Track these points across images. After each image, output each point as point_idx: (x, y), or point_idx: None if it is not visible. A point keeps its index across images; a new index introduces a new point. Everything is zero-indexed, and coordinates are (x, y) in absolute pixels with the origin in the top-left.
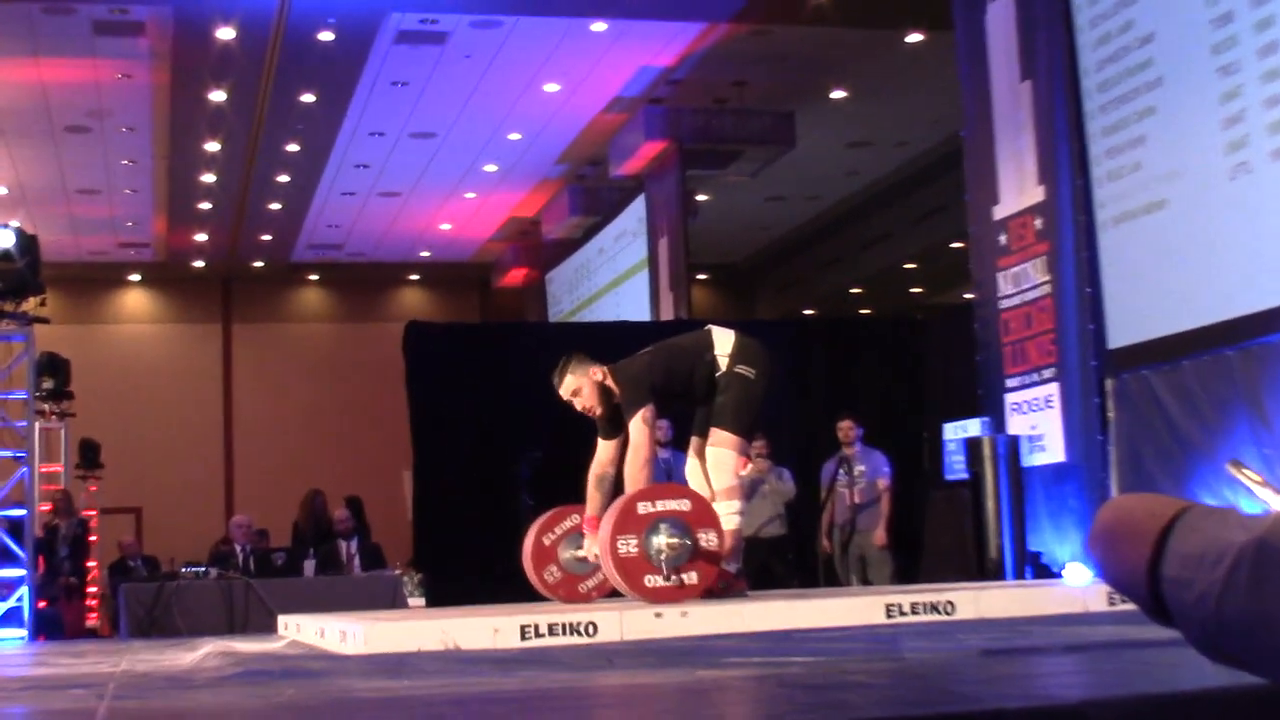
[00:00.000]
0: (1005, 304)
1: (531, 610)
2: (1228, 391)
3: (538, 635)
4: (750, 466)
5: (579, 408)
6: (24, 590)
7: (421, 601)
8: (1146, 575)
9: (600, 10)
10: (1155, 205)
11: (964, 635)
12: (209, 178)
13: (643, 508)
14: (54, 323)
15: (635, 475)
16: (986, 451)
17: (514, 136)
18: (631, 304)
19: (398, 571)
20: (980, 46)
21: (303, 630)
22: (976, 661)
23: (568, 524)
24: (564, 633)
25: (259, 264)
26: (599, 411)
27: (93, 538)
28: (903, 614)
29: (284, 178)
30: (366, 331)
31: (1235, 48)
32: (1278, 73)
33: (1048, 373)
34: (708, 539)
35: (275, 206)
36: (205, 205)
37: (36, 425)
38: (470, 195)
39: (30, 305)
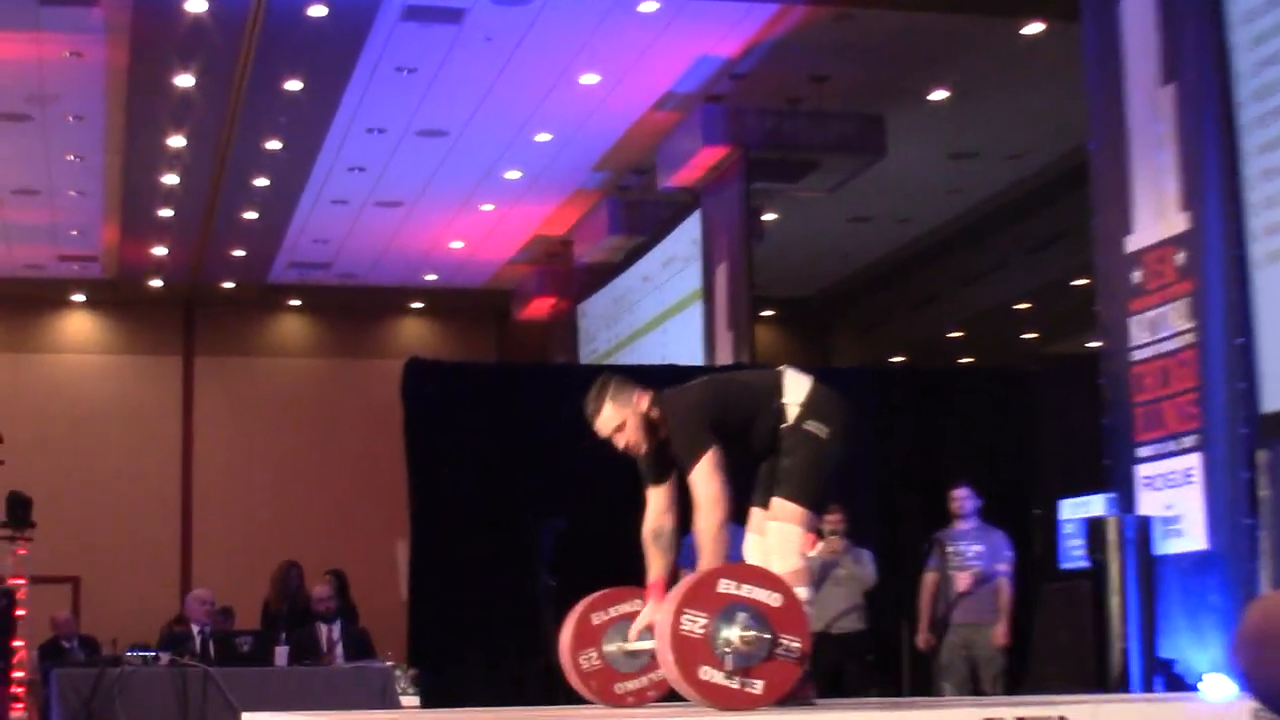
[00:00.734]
0: (1138, 355)
1: (547, 716)
2: None
3: None
4: (821, 545)
5: (619, 446)
6: None
7: (416, 700)
8: None
9: None
10: None
11: None
12: (171, 179)
13: (724, 585)
14: None
15: (710, 543)
16: (1112, 535)
17: (542, 138)
18: (681, 344)
19: (389, 663)
20: (1113, 42)
21: None
22: None
23: (625, 608)
24: None
25: (229, 285)
26: (644, 449)
27: (20, 612)
28: None
29: (262, 181)
30: (357, 370)
31: None
32: None
33: (1188, 441)
34: (789, 647)
35: (251, 216)
36: (166, 212)
37: None
38: (488, 207)
39: None
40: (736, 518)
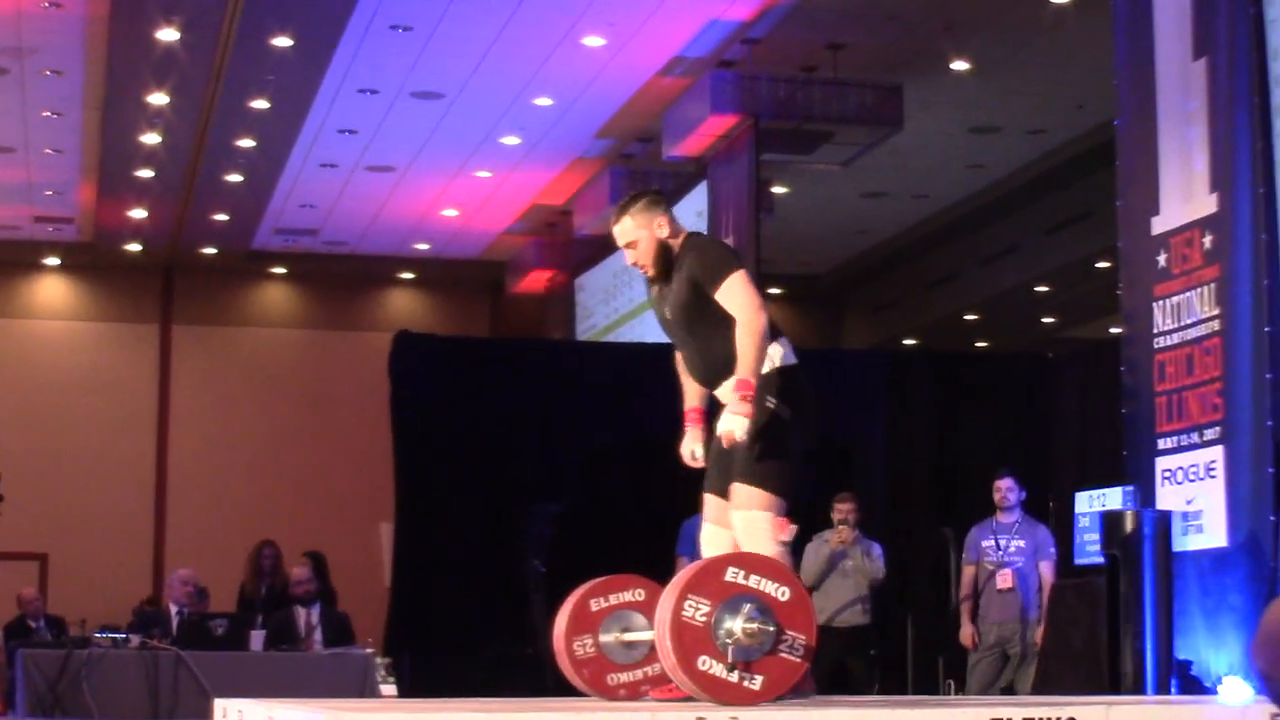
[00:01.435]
0: (1161, 343)
1: (537, 707)
2: None
3: None
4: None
5: (629, 261)
6: None
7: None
8: None
9: None
10: None
11: None
12: (152, 138)
13: (731, 574)
14: None
15: (756, 344)
16: (1129, 530)
17: (543, 102)
18: None
19: (369, 649)
20: (1144, 13)
21: (246, 718)
22: None
23: (626, 596)
24: None
25: (210, 251)
26: (651, 273)
27: None
28: None
29: (247, 142)
30: (344, 342)
31: None
32: None
33: (1211, 433)
34: (794, 644)
35: (234, 178)
36: (146, 173)
37: None
38: (484, 174)
39: None
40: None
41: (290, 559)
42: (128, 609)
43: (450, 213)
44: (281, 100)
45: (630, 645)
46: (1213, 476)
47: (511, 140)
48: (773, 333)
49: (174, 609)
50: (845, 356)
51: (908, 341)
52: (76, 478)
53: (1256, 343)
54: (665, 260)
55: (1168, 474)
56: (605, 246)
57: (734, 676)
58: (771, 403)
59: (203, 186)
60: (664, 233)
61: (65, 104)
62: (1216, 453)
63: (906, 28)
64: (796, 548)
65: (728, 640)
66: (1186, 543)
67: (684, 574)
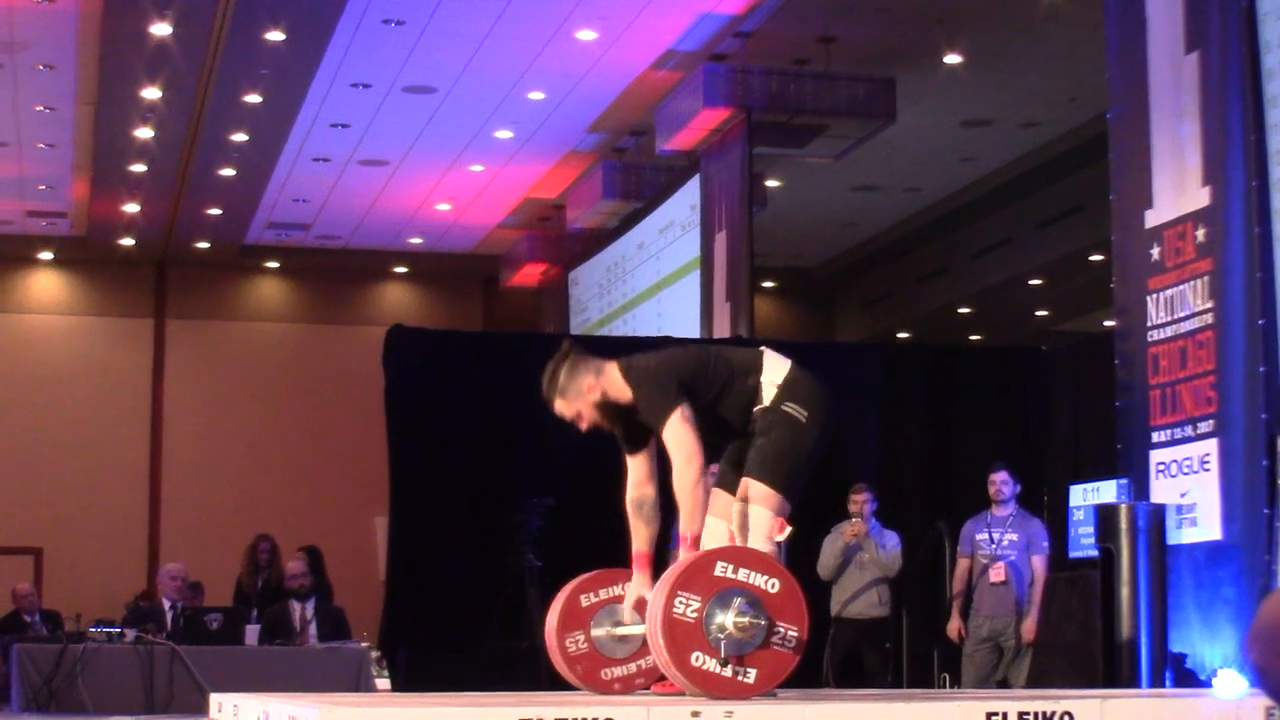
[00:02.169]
0: (1155, 336)
1: (532, 701)
2: None
3: None
4: (849, 529)
5: (583, 429)
6: None
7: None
8: None
9: None
10: None
11: None
12: (145, 133)
13: (721, 568)
14: None
15: (688, 497)
16: (1123, 523)
17: (536, 96)
18: (677, 315)
19: (365, 644)
20: (1136, 7)
21: (241, 713)
22: None
23: (616, 590)
24: None
25: (203, 245)
26: (609, 426)
27: None
28: None
29: (240, 136)
30: (337, 336)
31: None
32: None
33: (1205, 426)
34: (786, 636)
35: (228, 173)
36: (139, 167)
37: None
38: (477, 168)
39: None
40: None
41: (285, 553)
42: (122, 603)
43: (443, 207)
44: (274, 94)
45: (622, 639)
46: (1207, 470)
47: (504, 134)
48: (754, 343)
49: (167, 604)
50: (837, 350)
51: (900, 335)
52: (70, 472)
53: (1250, 336)
54: (614, 407)
55: (1161, 467)
56: (598, 240)
57: (728, 671)
58: (791, 408)
59: (196, 181)
60: (596, 395)
61: (58, 98)
62: (1210, 446)
63: (899, 21)
64: (815, 541)
65: (720, 635)
66: (1181, 536)
67: (673, 571)
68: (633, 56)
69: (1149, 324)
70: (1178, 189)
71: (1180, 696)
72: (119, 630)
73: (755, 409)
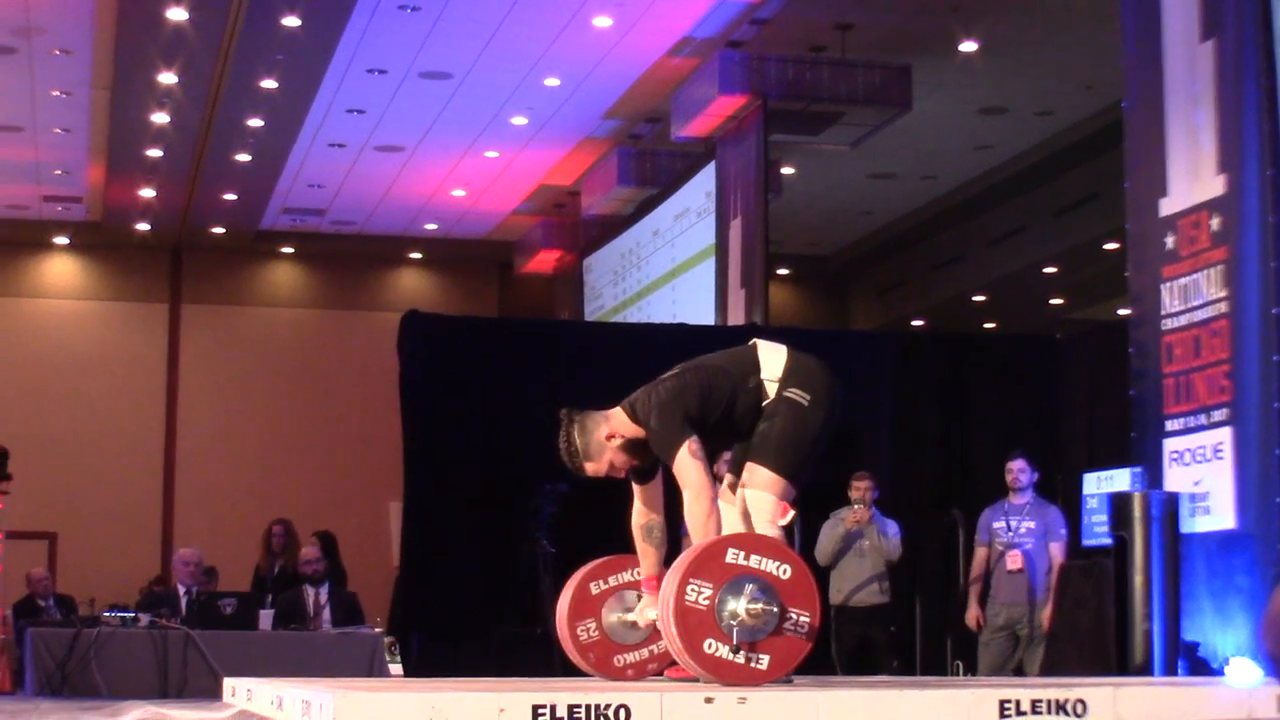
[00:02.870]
0: (1169, 324)
1: (545, 686)
2: None
3: (554, 719)
4: (850, 516)
5: (621, 475)
6: None
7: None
8: None
9: None
10: None
11: None
12: (161, 118)
13: (732, 555)
14: None
15: (701, 530)
16: (1137, 511)
17: (551, 82)
18: (691, 303)
19: (378, 629)
20: None
21: (255, 698)
22: None
23: (627, 576)
24: (588, 717)
25: (219, 230)
26: (644, 463)
27: None
28: (1020, 713)
29: (256, 122)
30: (352, 322)
31: None
32: None
33: (1219, 414)
34: (798, 621)
35: (243, 158)
36: (155, 152)
37: None
38: (492, 154)
39: None
40: None
41: (300, 538)
42: (136, 588)
43: (458, 193)
44: (290, 80)
45: (634, 625)
46: (1220, 458)
47: (520, 120)
48: (765, 333)
49: (182, 589)
50: (852, 337)
51: (915, 323)
52: (85, 457)
53: (1264, 324)
54: (639, 444)
55: (1175, 455)
56: (613, 227)
57: (740, 658)
58: (794, 394)
59: (211, 166)
60: (617, 440)
61: (74, 83)
62: (1224, 434)
63: (915, 8)
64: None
65: (732, 622)
66: (1194, 524)
67: (684, 558)
68: (648, 43)
69: (1163, 312)
70: (1193, 177)
71: (1193, 685)
72: (133, 615)
73: (764, 404)
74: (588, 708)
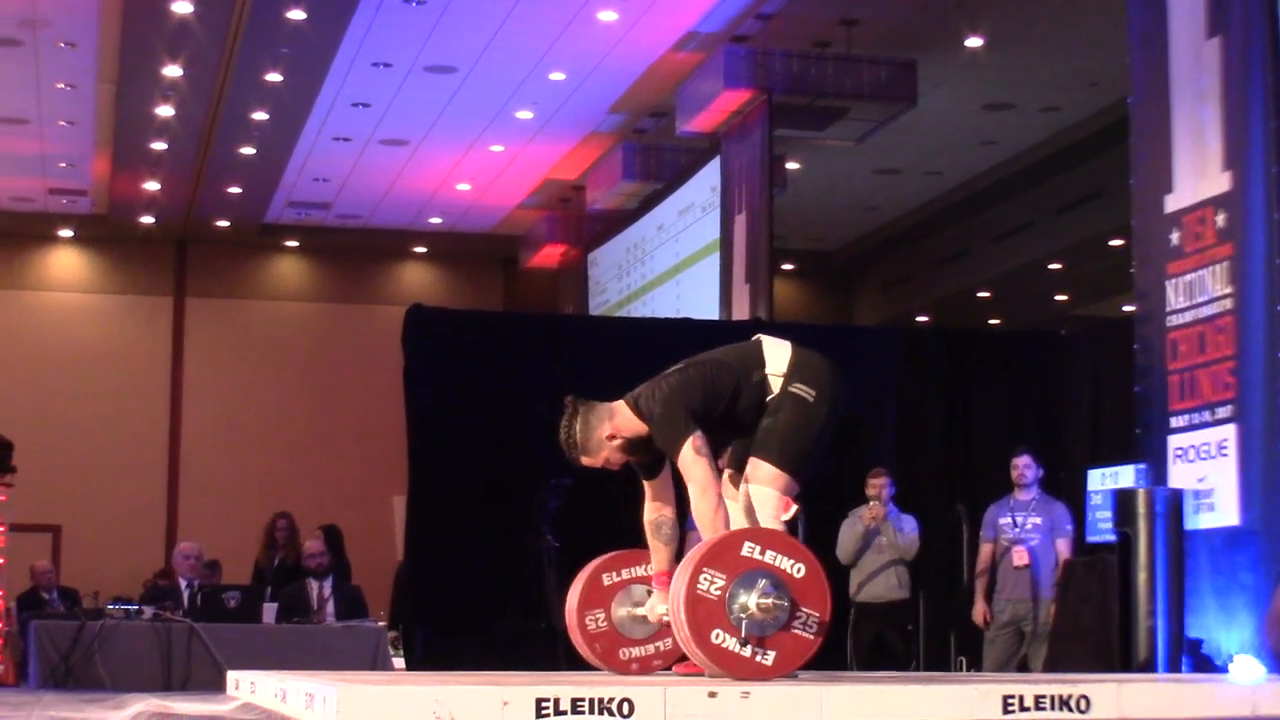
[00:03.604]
0: (1174, 321)
1: (549, 680)
2: None
3: (558, 712)
4: (867, 513)
5: (615, 470)
6: None
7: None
8: None
9: None
10: None
11: None
12: (166, 110)
13: (748, 549)
14: None
15: (708, 526)
16: (1141, 508)
17: (556, 76)
18: (696, 298)
19: (381, 623)
20: None
21: (258, 690)
22: None
23: (639, 570)
24: (592, 710)
25: (223, 224)
26: (645, 458)
27: None
28: (1024, 709)
29: (261, 115)
30: (356, 315)
31: None
32: None
33: (1223, 411)
34: (808, 620)
35: (248, 151)
36: (159, 145)
37: None
38: (497, 148)
39: None
40: None
41: (303, 532)
42: (140, 581)
43: (463, 187)
44: (295, 73)
45: (642, 620)
46: (1224, 455)
47: (525, 114)
48: (768, 328)
49: (182, 582)
50: (857, 333)
51: (920, 318)
52: (89, 450)
53: (1269, 321)
54: (641, 441)
55: (1180, 452)
56: (618, 222)
57: (747, 651)
58: (799, 389)
59: (216, 159)
60: (617, 440)
61: (79, 76)
62: (1228, 431)
63: (920, 3)
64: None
65: (742, 615)
66: (1198, 521)
67: (700, 548)
68: (654, 37)
69: (1168, 309)
70: (1198, 174)
71: (1197, 681)
72: (137, 608)
73: (768, 400)
74: (591, 701)
